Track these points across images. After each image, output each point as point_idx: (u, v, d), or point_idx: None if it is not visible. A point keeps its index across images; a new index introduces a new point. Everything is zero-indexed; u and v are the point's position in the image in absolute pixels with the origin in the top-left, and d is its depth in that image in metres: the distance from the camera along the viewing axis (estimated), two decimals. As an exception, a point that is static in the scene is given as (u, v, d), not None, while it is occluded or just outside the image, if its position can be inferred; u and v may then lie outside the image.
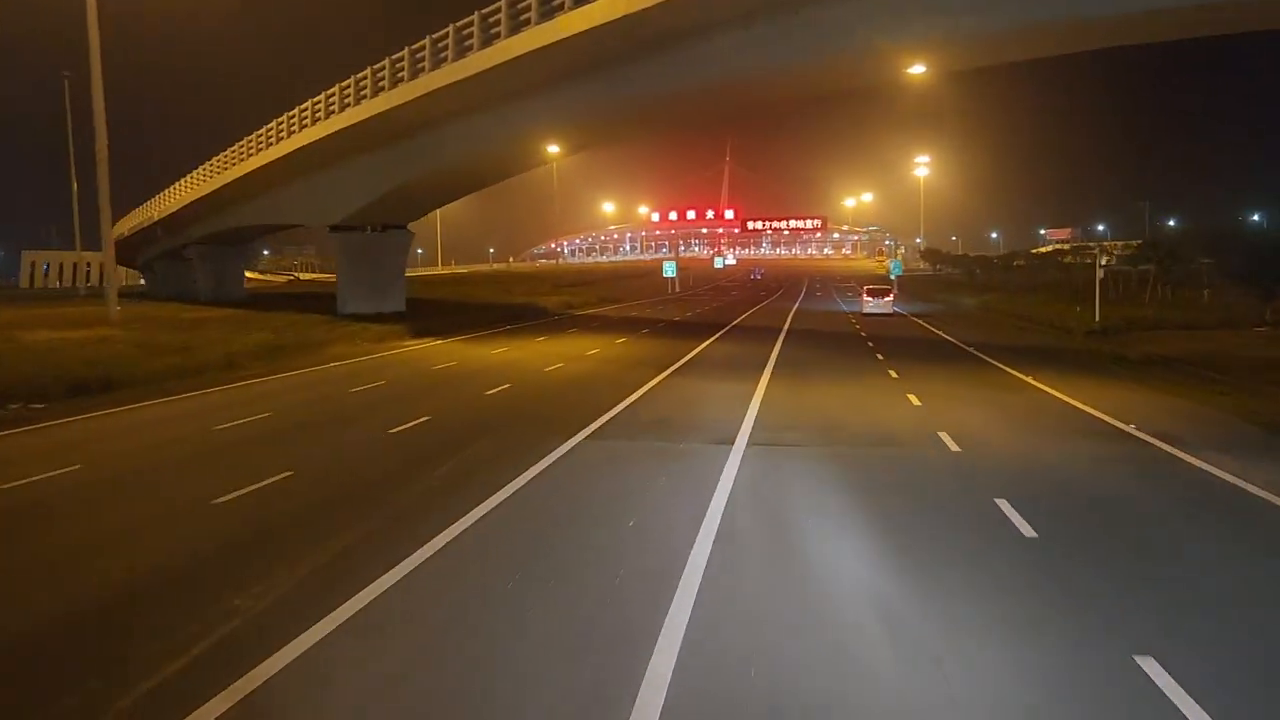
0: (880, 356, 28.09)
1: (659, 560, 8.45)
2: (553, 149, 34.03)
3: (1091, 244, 76.06)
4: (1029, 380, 22.15)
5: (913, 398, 19.08)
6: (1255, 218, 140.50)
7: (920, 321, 45.03)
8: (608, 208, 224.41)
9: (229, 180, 46.62)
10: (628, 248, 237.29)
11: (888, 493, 11.21)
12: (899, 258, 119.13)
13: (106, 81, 34.02)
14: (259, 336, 30.79)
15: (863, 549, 8.91)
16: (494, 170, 39.33)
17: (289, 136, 40.00)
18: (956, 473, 12.36)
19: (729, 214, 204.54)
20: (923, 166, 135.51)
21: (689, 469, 12.41)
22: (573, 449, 13.74)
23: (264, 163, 42.13)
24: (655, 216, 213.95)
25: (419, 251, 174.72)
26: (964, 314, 51.25)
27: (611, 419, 16.40)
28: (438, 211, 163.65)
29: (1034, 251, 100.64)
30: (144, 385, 21.76)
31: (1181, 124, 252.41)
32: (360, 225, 43.54)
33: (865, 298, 51.63)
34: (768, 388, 20.54)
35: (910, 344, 33.31)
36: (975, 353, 29.43)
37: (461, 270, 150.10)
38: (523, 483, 11.53)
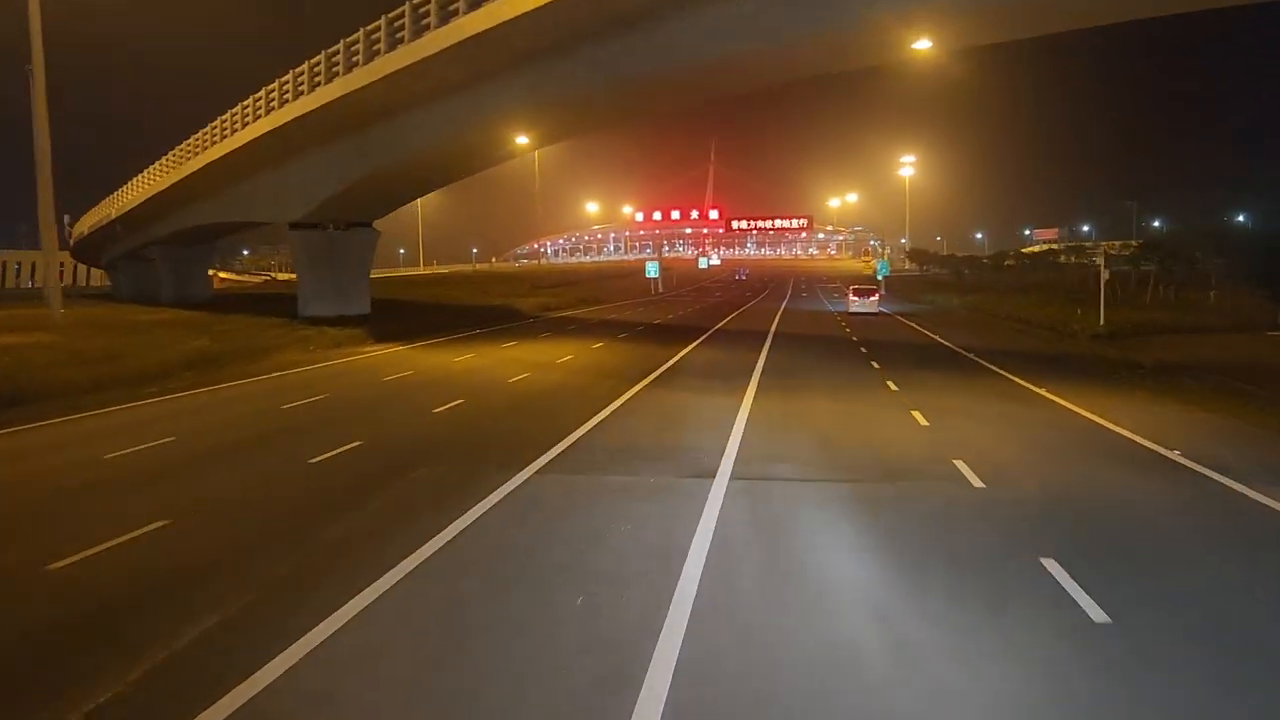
0: (875, 364, 25.91)
1: (608, 663, 6.18)
2: (522, 139, 31.65)
3: (1088, 243, 74.29)
4: (1042, 392, 19.98)
5: (918, 415, 16.87)
6: (1240, 218, 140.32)
7: (912, 324, 43.01)
8: (591, 208, 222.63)
9: (182, 176, 44.01)
10: (611, 248, 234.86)
11: (908, 551, 8.94)
12: (885, 258, 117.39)
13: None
14: (199, 343, 28.31)
15: (883, 645, 6.64)
16: (460, 163, 36.84)
17: (243, 128, 37.46)
18: (987, 519, 10.11)
19: (713, 214, 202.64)
20: (908, 166, 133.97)
21: (660, 515, 10.12)
22: (521, 486, 11.44)
23: (217, 157, 39.58)
24: (639, 216, 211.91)
25: (401, 251, 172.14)
26: (956, 316, 49.22)
27: (574, 443, 14.10)
28: (419, 211, 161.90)
29: (1024, 251, 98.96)
30: (57, 399, 19.37)
31: (1167, 124, 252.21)
32: (322, 223, 41.00)
33: (851, 297, 52.81)
34: (754, 403, 18.28)
35: (905, 349, 31.17)
36: (976, 359, 27.30)
37: (443, 270, 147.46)
38: (447, 538, 9.20)
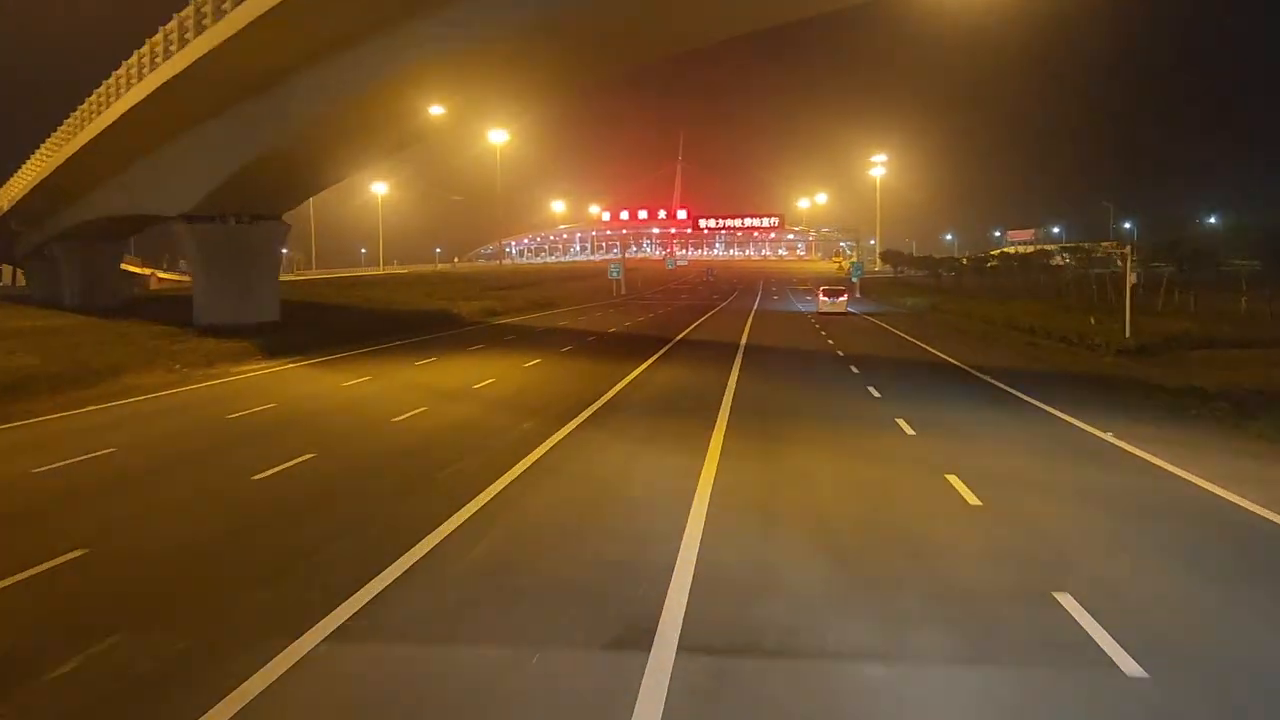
0: (874, 391, 20.51)
1: None
2: (437, 109, 25.76)
3: (1084, 244, 69.54)
4: (1117, 443, 14.52)
5: (957, 484, 11.42)
6: (1211, 220, 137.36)
7: (901, 333, 37.77)
8: (558, 207, 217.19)
9: (57, 165, 37.75)
10: (578, 248, 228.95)
11: None
12: (856, 259, 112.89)
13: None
14: (21, 361, 22.33)
15: None
16: (363, 140, 30.73)
17: (117, 99, 31.36)
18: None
19: (681, 214, 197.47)
20: (879, 166, 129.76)
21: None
22: (292, 675, 5.82)
23: (87, 140, 33.48)
24: (606, 216, 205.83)
25: (362, 251, 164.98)
26: (948, 324, 43.87)
27: (421, 563, 8.46)
28: (380, 210, 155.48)
29: (1006, 251, 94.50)
30: None
31: (1134, 125, 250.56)
32: (220, 215, 35.00)
33: (821, 298, 54.28)
34: (721, 465, 12.70)
35: (906, 369, 25.84)
36: (997, 384, 21.94)
37: (400, 271, 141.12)
38: None
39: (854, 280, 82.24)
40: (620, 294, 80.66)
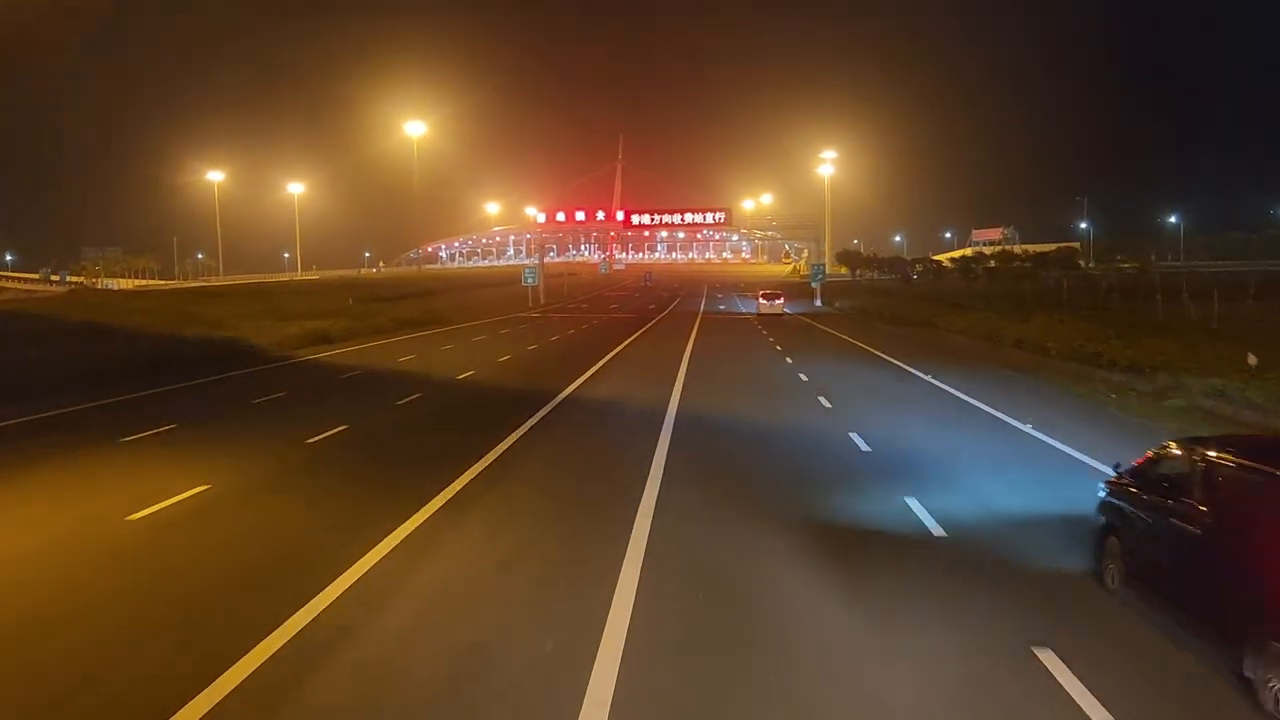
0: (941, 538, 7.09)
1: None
2: None
3: (1074, 244, 57.19)
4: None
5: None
6: (1173, 219, 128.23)
7: (936, 382, 22.33)
8: (492, 208, 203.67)
9: None
10: (512, 251, 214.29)
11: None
12: (805, 261, 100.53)
13: None
14: None
15: None
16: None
17: None
18: None
19: (621, 215, 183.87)
20: (828, 164, 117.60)
21: None
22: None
23: None
24: (542, 217, 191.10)
25: (285, 255, 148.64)
26: (980, 353, 29.67)
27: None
28: (296, 212, 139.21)
29: (981, 251, 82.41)
30: None
31: (1088, 125, 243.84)
32: None
33: (760, 300, 58.04)
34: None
35: (980, 465, 12.31)
36: None
37: (310, 277, 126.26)
38: None
39: (814, 285, 69.10)
40: (538, 304, 66.52)
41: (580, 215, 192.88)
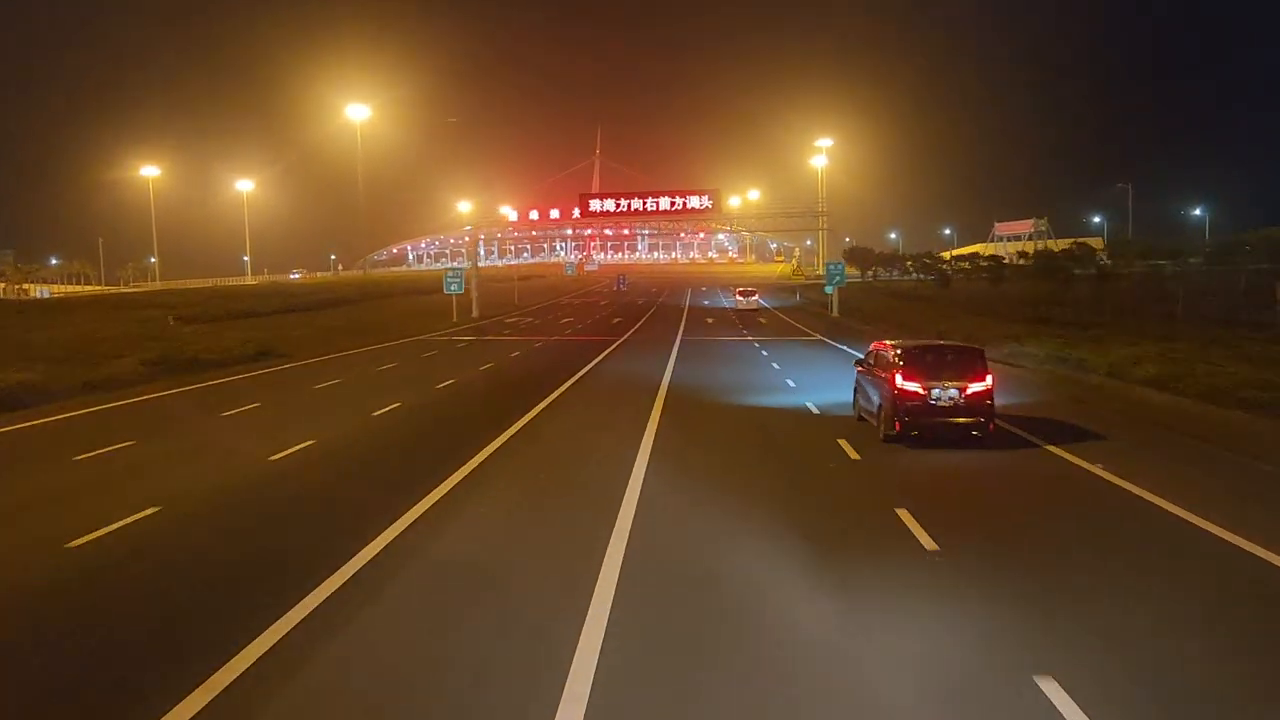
0: None
1: None
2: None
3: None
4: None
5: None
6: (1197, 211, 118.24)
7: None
8: (463, 207, 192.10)
9: None
10: (483, 252, 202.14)
11: None
12: (799, 258, 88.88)
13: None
14: None
15: None
16: None
17: None
18: None
19: (577, 211, 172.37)
20: (822, 155, 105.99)
21: None
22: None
23: None
24: (514, 216, 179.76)
25: (245, 258, 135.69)
26: None
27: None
28: (245, 211, 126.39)
29: (1023, 248, 70.73)
30: None
31: (1090, 122, 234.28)
32: None
33: (737, 298, 61.62)
34: None
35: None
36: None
37: (249, 282, 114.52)
38: None
39: (829, 292, 56.03)
40: (470, 319, 52.99)
41: (555, 213, 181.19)
